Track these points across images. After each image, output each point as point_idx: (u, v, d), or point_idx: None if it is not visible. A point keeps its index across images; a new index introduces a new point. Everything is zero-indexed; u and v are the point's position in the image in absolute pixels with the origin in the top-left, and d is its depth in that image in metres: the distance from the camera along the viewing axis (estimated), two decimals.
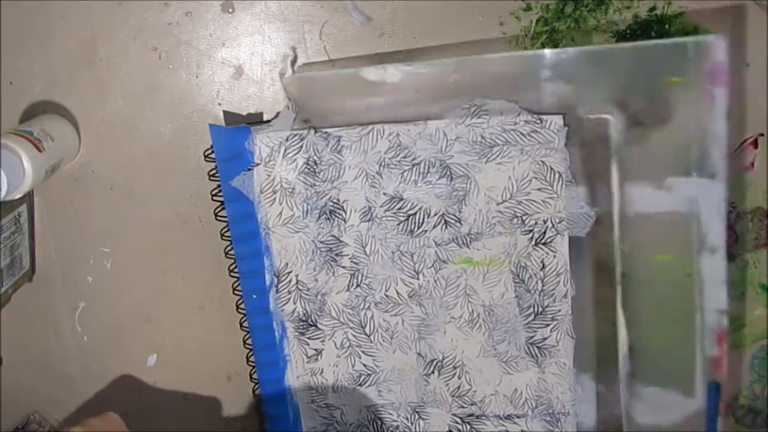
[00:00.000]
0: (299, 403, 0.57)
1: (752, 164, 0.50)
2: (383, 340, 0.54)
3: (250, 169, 0.52)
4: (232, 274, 0.55)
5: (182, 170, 0.55)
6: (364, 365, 0.55)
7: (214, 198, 0.53)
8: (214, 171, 0.52)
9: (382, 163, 0.50)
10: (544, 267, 0.50)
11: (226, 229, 0.54)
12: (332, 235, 0.52)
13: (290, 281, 0.54)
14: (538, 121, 0.47)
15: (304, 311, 0.54)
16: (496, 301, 0.52)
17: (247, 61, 0.53)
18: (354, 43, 0.51)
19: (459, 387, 0.54)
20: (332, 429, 0.58)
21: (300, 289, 0.54)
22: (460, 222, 0.50)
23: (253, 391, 0.57)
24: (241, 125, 0.51)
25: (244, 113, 0.54)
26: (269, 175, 0.52)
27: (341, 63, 0.52)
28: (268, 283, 0.54)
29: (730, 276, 0.49)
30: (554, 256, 0.50)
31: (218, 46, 0.53)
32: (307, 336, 0.55)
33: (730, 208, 0.51)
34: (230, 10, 0.53)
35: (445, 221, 0.50)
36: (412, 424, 0.56)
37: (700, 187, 0.46)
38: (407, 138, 0.49)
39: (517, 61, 0.47)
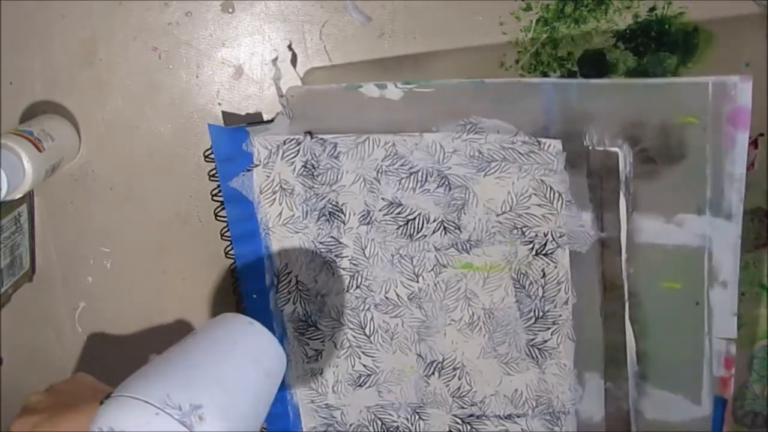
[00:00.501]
0: (299, 403, 0.57)
1: (752, 164, 0.50)
2: (383, 341, 0.54)
3: (249, 170, 0.52)
4: (232, 274, 0.55)
5: (182, 170, 0.55)
6: (364, 366, 0.55)
7: (214, 198, 0.53)
8: (213, 171, 0.52)
9: (380, 170, 0.50)
10: (544, 275, 0.50)
11: (226, 229, 0.54)
12: (332, 237, 0.52)
13: (290, 281, 0.54)
14: (536, 143, 0.47)
15: (304, 312, 0.54)
16: (497, 304, 0.51)
17: (247, 61, 0.53)
18: (354, 43, 0.51)
19: (459, 388, 0.54)
20: (332, 429, 0.58)
21: (300, 290, 0.54)
22: (459, 229, 0.50)
23: None
24: (239, 126, 0.51)
25: (244, 113, 0.54)
26: (268, 176, 0.51)
27: (341, 68, 0.52)
28: (268, 283, 0.54)
29: None
30: (555, 267, 0.49)
31: (218, 46, 0.53)
32: (306, 336, 0.55)
33: None
34: (230, 10, 0.52)
35: (444, 227, 0.50)
36: (412, 424, 0.56)
37: (714, 225, 0.45)
38: (404, 148, 0.49)
39: (519, 88, 0.46)
